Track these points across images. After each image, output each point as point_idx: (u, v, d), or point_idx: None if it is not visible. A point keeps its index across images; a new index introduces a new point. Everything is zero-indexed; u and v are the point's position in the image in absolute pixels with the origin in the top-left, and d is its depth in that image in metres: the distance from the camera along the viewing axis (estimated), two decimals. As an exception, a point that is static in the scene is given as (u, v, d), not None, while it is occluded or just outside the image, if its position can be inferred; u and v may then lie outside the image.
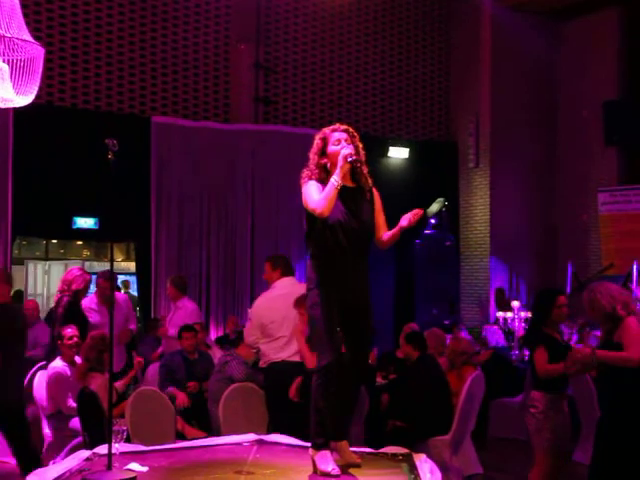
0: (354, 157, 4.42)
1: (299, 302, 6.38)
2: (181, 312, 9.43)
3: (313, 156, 4.59)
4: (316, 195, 4.42)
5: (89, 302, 8.74)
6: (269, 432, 5.61)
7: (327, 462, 4.33)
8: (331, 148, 4.54)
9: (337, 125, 4.64)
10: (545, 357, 5.82)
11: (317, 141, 4.60)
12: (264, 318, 6.68)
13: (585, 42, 14.43)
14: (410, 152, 14.19)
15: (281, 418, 6.35)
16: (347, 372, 4.49)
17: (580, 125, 14.37)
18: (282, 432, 5.40)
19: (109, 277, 7.79)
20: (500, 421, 9.77)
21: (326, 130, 4.62)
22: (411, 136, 14.69)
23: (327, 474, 4.29)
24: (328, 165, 4.54)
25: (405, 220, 4.43)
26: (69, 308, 8.05)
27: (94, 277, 9.22)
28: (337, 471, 4.31)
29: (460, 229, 14.83)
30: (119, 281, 14.46)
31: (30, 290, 14.64)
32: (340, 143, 4.52)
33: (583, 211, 14.27)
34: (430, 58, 14.94)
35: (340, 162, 4.39)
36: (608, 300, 5.39)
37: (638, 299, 10.89)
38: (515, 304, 11.58)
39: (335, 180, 4.36)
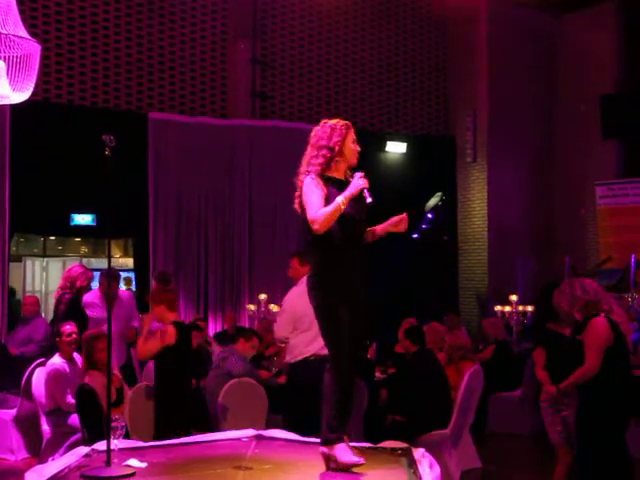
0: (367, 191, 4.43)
1: (151, 297, 6.71)
2: None
3: (337, 140, 4.44)
4: (318, 204, 4.32)
5: (92, 297, 8.76)
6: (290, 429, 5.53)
7: (349, 453, 4.29)
8: (350, 145, 4.48)
9: (348, 122, 4.61)
10: (543, 358, 5.79)
11: (342, 129, 4.46)
12: (298, 311, 6.60)
13: (583, 36, 14.41)
14: (408, 147, 14.19)
15: (306, 414, 6.34)
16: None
17: (578, 119, 14.37)
18: (303, 429, 5.32)
19: (109, 274, 7.85)
20: (499, 415, 9.78)
21: (347, 123, 4.53)
22: (409, 131, 14.68)
23: (353, 465, 4.26)
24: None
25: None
26: (71, 305, 8.05)
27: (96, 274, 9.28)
28: (362, 460, 4.29)
29: (458, 223, 14.83)
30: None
31: (28, 287, 14.62)
32: (355, 142, 4.52)
33: (581, 204, 14.27)
34: (427, 52, 14.93)
35: (354, 189, 4.33)
36: (568, 300, 5.33)
37: (636, 291, 10.92)
38: (513, 298, 11.59)
39: (342, 202, 4.28)
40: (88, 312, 8.44)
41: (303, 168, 4.51)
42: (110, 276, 8.21)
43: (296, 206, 4.50)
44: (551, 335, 5.87)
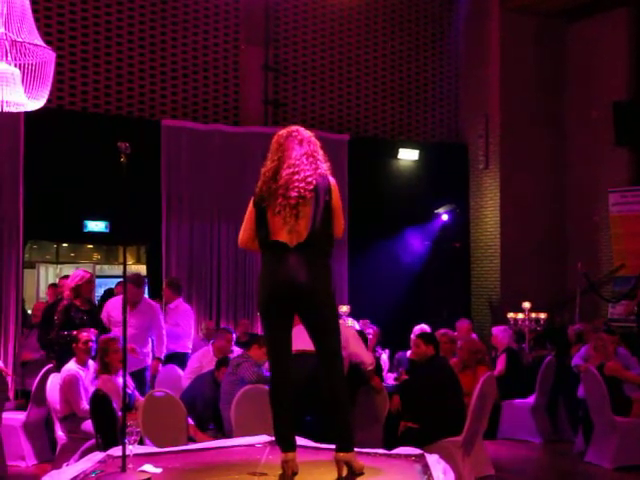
0: None
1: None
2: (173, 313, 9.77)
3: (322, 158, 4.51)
4: None
5: (112, 306, 8.84)
6: None
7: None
8: None
9: None
10: None
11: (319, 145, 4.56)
12: None
13: (594, 42, 14.39)
14: (420, 154, 14.17)
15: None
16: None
17: (590, 126, 14.33)
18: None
19: (136, 282, 8.16)
20: (510, 422, 9.76)
21: None
22: (421, 138, 14.68)
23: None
24: None
25: None
26: (65, 312, 8.10)
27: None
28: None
29: (470, 230, 14.81)
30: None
31: (41, 294, 14.66)
32: None
33: (594, 212, 14.22)
34: (439, 60, 14.93)
35: None
36: None
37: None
38: (526, 305, 11.55)
39: None
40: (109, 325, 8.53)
41: (322, 166, 4.45)
42: (132, 281, 8.44)
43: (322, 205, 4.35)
44: None
